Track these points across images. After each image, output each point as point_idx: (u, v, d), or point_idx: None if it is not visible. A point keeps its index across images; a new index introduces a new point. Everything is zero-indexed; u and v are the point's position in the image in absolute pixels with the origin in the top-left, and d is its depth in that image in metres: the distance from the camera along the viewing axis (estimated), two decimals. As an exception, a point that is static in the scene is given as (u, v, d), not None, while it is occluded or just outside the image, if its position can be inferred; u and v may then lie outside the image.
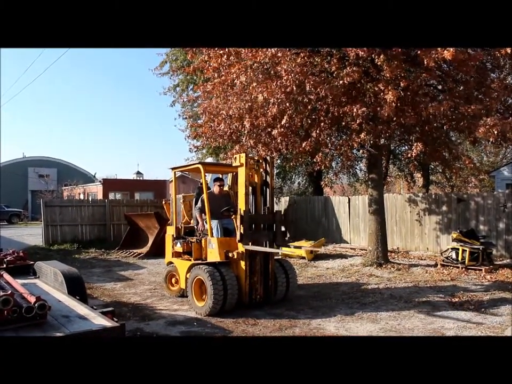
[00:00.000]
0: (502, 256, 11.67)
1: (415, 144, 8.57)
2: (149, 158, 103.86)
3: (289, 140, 9.05)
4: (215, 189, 7.80)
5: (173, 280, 7.92)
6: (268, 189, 6.96)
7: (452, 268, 10.19)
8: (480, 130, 7.85)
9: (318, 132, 8.74)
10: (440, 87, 9.83)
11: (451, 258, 10.51)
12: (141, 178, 39.06)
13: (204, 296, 6.58)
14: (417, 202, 13.64)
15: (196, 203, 7.74)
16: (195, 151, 14.85)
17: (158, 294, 8.15)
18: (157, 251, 13.10)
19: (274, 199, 18.93)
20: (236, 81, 9.08)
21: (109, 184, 33.32)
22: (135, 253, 13.55)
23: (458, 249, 10.31)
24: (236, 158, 6.74)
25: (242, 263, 6.54)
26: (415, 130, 9.45)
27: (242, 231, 6.41)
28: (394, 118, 8.50)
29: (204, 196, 7.13)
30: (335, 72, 8.44)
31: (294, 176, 21.06)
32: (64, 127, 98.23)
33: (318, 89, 8.16)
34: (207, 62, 9.86)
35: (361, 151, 11.57)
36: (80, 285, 5.14)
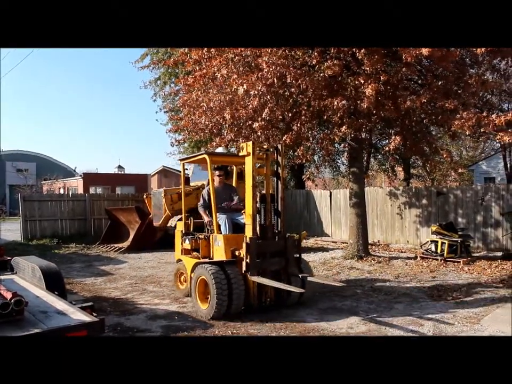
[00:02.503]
0: (480, 248, 11.90)
1: (393, 137, 8.66)
2: (131, 152, 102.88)
3: (270, 133, 9.04)
4: (216, 180, 7.21)
5: (182, 278, 7.47)
6: (278, 181, 6.30)
7: (431, 260, 10.35)
8: (455, 123, 7.97)
9: (299, 125, 8.75)
10: (420, 81, 9.93)
11: (430, 250, 10.67)
12: (123, 172, 38.72)
13: (208, 298, 6.02)
14: (397, 195, 13.79)
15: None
16: (176, 145, 14.75)
17: (139, 288, 8.09)
18: (138, 245, 13.05)
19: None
20: (217, 74, 9.03)
21: (90, 179, 32.92)
22: (116, 247, 13.44)
23: (437, 241, 10.47)
24: (242, 147, 6.12)
25: (243, 262, 5.97)
26: (395, 124, 9.54)
27: (248, 261, 5.82)
28: (375, 112, 8.57)
29: (210, 188, 6.62)
30: (316, 66, 8.46)
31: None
32: (43, 121, 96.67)
33: (299, 82, 8.17)
34: (188, 55, 9.78)
35: (342, 144, 11.64)
36: (59, 280, 5.07)
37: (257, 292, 6.01)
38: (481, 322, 5.59)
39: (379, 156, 17.09)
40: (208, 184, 7.13)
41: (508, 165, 15.26)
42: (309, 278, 6.30)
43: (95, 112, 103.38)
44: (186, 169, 16.70)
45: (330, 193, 15.67)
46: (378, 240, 13.92)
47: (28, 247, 13.81)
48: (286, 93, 8.68)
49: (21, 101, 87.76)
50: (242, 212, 6.48)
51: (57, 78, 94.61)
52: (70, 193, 22.88)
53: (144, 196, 15.90)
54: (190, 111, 10.09)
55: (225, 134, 9.54)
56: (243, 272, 5.87)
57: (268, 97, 8.45)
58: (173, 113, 16.33)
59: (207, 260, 6.39)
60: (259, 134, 8.80)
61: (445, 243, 10.31)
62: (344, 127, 8.67)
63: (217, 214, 6.65)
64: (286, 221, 6.45)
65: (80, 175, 34.16)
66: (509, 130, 8.22)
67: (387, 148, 9.24)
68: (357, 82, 8.35)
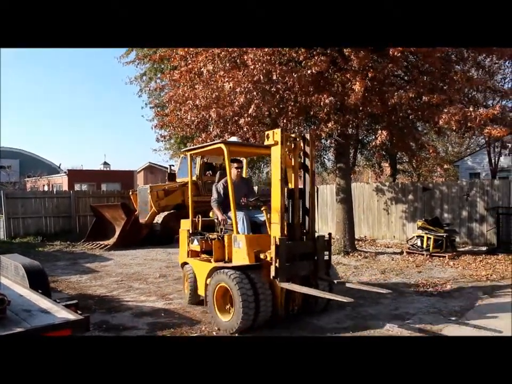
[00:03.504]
0: (465, 243, 12.03)
1: (380, 132, 8.69)
2: (117, 148, 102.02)
3: (256, 129, 9.01)
4: (233, 173, 6.35)
5: (186, 284, 6.77)
6: (307, 175, 5.60)
7: (417, 255, 10.43)
8: (442, 117, 8.03)
9: (285, 121, 8.75)
10: (406, 77, 9.98)
11: (416, 245, 10.75)
12: (108, 169, 38.37)
13: (228, 308, 5.35)
14: (384, 191, 13.86)
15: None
16: (162, 141, 14.65)
17: (125, 285, 8.02)
18: (124, 242, 12.94)
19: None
20: (203, 69, 8.97)
21: (75, 175, 32.59)
22: (102, 244, 13.31)
23: (423, 237, 10.55)
24: (268, 135, 5.37)
25: (271, 267, 5.16)
26: (382, 120, 9.58)
27: (278, 265, 5.03)
28: (361, 107, 8.59)
29: (228, 181, 5.83)
30: (303, 62, 8.44)
31: (263, 166, 21.05)
32: (27, 117, 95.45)
33: (286, 79, 8.15)
34: (174, 50, 9.70)
35: (329, 140, 11.65)
36: (42, 278, 4.98)
37: (284, 300, 5.31)
38: (465, 316, 5.64)
39: (365, 152, 17.17)
40: (219, 177, 6.66)
41: (493, 161, 15.43)
42: (348, 285, 5.80)
43: (80, 108, 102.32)
44: (172, 165, 16.62)
45: (317, 188, 15.66)
46: (365, 236, 13.99)
47: (11, 245, 13.62)
48: (272, 89, 8.65)
49: (3, 96, 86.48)
50: (263, 209, 5.78)
51: (41, 74, 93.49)
52: (55, 190, 22.62)
53: (130, 193, 15.79)
54: (176, 106, 10.01)
55: (211, 129, 9.49)
56: (271, 277, 5.11)
57: (254, 93, 8.41)
58: (158, 109, 16.17)
59: (228, 264, 5.53)
60: (245, 130, 8.76)
61: (430, 238, 10.39)
62: (330, 123, 8.68)
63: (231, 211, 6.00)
64: (314, 220, 5.71)
65: (65, 172, 33.79)
66: (496, 126, 8.31)
67: (374, 144, 9.28)
68: (343, 78, 8.36)
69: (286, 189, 5.47)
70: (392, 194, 13.69)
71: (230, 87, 8.22)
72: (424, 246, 10.46)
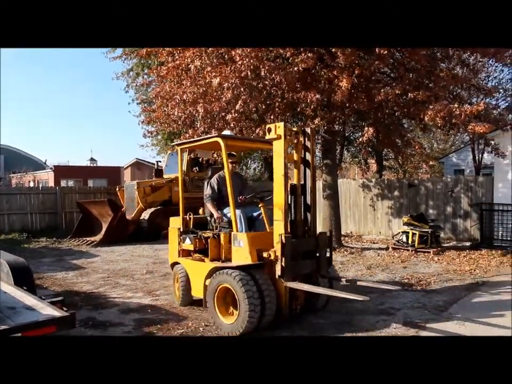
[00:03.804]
0: (450, 238, 12.19)
1: (366, 129, 8.76)
2: (104, 144, 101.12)
3: (243, 125, 9.02)
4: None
5: (177, 285, 6.44)
6: (307, 170, 5.39)
7: (402, 250, 10.55)
8: (428, 113, 8.12)
9: (272, 117, 8.77)
10: (392, 74, 10.06)
11: (402, 241, 10.87)
12: (95, 165, 38.03)
13: (230, 310, 5.18)
14: (370, 187, 13.98)
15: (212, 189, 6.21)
16: (149, 137, 14.58)
17: (112, 282, 7.99)
18: (111, 239, 12.88)
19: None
20: (190, 65, 8.94)
21: (61, 171, 32.24)
22: (88, 241, 13.23)
23: (408, 232, 10.68)
24: (270, 128, 5.13)
25: (276, 265, 4.99)
26: (368, 117, 9.65)
27: (284, 264, 4.87)
28: (348, 104, 8.64)
29: (226, 177, 5.51)
30: (290, 58, 8.46)
31: (250, 162, 21.07)
32: (12, 113, 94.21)
33: (273, 75, 8.16)
34: (161, 46, 9.64)
35: (315, 136, 11.69)
36: (27, 274, 4.97)
37: (288, 299, 5.11)
38: (449, 310, 5.74)
39: (352, 149, 17.27)
40: (211, 172, 6.44)
41: (476, 158, 15.62)
42: (359, 283, 5.68)
43: (66, 104, 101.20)
44: (159, 161, 16.56)
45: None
46: (351, 232, 14.11)
47: (-4, 242, 13.48)
48: (259, 85, 8.66)
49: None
50: (260, 205, 5.70)
51: (26, 69, 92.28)
52: (40, 186, 22.40)
53: (117, 189, 15.71)
54: (163, 102, 9.98)
55: (198, 125, 9.47)
56: (276, 277, 4.95)
57: (241, 89, 8.42)
58: (145, 104, 16.11)
59: (230, 264, 5.30)
60: (232, 125, 8.77)
61: (415, 234, 10.52)
62: (317, 119, 8.72)
63: (228, 207, 5.78)
64: (316, 216, 5.55)
65: (51, 168, 33.42)
66: (480, 122, 8.42)
67: (360, 140, 9.35)
68: (330, 75, 8.40)
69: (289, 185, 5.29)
70: (378, 191, 13.81)
71: (218, 82, 8.21)
72: (410, 241, 10.59)
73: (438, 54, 9.83)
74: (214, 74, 8.28)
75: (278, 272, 4.92)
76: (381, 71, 9.65)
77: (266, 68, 8.03)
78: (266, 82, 8.54)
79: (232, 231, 5.49)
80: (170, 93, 9.50)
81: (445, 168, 22.58)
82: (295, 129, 5.47)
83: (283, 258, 4.88)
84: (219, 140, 5.56)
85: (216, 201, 6.01)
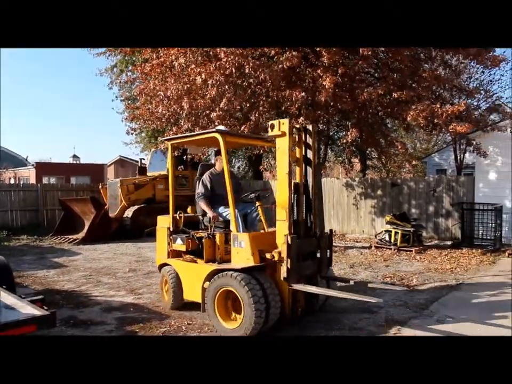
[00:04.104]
0: (431, 237, 12.35)
1: (351, 129, 8.82)
2: (87, 141, 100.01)
3: (228, 123, 9.00)
4: (219, 164, 5.96)
5: (166, 287, 6.11)
6: (309, 167, 5.22)
7: (385, 249, 10.65)
8: (410, 114, 8.21)
9: (257, 115, 8.76)
10: (376, 74, 10.13)
11: (384, 240, 10.97)
12: (78, 162, 37.61)
13: (232, 315, 5.03)
14: (354, 186, 14.07)
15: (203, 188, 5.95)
16: (132, 134, 14.49)
17: (94, 280, 7.92)
18: (93, 236, 12.76)
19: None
20: (174, 63, 8.89)
21: (43, 168, 31.77)
22: (70, 238, 13.09)
23: (391, 231, 10.78)
24: (273, 125, 4.93)
25: (281, 267, 4.82)
26: (352, 116, 9.71)
27: (289, 266, 4.71)
28: (332, 103, 8.68)
29: (226, 173, 5.30)
30: (275, 57, 8.47)
31: (234, 160, 21.05)
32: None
33: (258, 73, 8.16)
34: (145, 42, 9.57)
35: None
36: (6, 273, 4.88)
37: (291, 301, 4.99)
38: (430, 308, 5.81)
39: (336, 148, 17.36)
40: (201, 169, 6.22)
41: (458, 158, 15.84)
42: (370, 285, 5.68)
43: (48, 100, 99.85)
44: (143, 159, 16.44)
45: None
46: (335, 230, 14.18)
47: (-25, 240, 13.26)
48: (244, 83, 8.65)
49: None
50: (257, 205, 5.55)
51: (6, 62, 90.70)
52: (21, 183, 22.08)
53: (100, 186, 15.57)
54: (146, 99, 9.93)
55: (182, 123, 9.43)
56: (281, 278, 4.79)
57: (226, 87, 8.40)
58: (129, 101, 15.98)
59: (232, 266, 5.03)
60: (217, 123, 8.75)
61: (398, 233, 10.63)
62: (301, 118, 8.75)
63: (222, 207, 5.69)
64: (316, 215, 5.44)
65: (32, 165, 32.93)
66: (461, 123, 8.53)
67: (344, 140, 9.40)
68: (315, 74, 8.43)
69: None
70: (361, 190, 13.92)
71: (202, 78, 8.18)
72: (392, 240, 10.69)
73: (422, 54, 9.94)
74: (199, 70, 8.25)
75: (284, 274, 4.75)
76: (365, 71, 9.71)
77: (251, 65, 8.01)
78: (251, 80, 8.54)
79: (228, 231, 5.38)
80: (154, 90, 9.45)
81: (428, 167, 22.85)
82: (297, 126, 5.27)
83: (289, 260, 4.71)
84: (217, 135, 5.32)
85: (209, 199, 5.81)
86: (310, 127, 5.24)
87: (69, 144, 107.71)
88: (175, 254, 5.98)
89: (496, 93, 13.33)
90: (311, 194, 5.25)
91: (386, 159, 13.21)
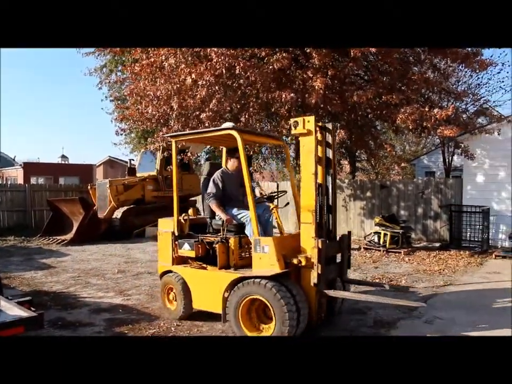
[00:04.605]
0: (420, 239, 12.43)
1: (338, 131, 8.86)
2: (75, 141, 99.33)
3: (218, 124, 8.99)
4: (232, 164, 5.65)
5: (172, 295, 5.71)
6: (329, 169, 5.01)
7: (374, 251, 10.71)
8: (400, 117, 8.28)
9: (247, 116, 8.77)
10: (366, 77, 10.20)
11: (373, 242, 11.03)
12: (66, 162, 37.36)
13: (257, 324, 4.74)
14: (343, 188, 14.12)
15: (206, 187, 5.60)
16: (121, 134, 14.43)
17: (82, 281, 7.86)
18: (82, 237, 12.67)
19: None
20: (164, 63, 8.88)
21: (31, 168, 31.51)
22: (59, 239, 12.98)
23: (380, 233, 10.83)
24: (296, 123, 4.72)
25: (311, 272, 4.55)
26: (342, 118, 9.75)
27: (320, 271, 4.49)
28: (322, 105, 8.72)
29: (244, 174, 4.93)
30: (265, 58, 8.49)
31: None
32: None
33: (248, 74, 8.17)
34: (135, 43, 9.54)
35: (289, 137, 11.76)
36: (-7, 274, 4.85)
37: (317, 306, 4.75)
38: (418, 309, 5.85)
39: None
40: (209, 168, 5.95)
41: (447, 160, 15.97)
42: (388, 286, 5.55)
43: (37, 99, 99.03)
44: (133, 160, 16.37)
45: (278, 184, 15.83)
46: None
47: (-39, 240, 13.10)
48: (234, 84, 8.67)
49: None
50: (272, 207, 5.32)
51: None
52: (9, 183, 21.86)
53: (89, 187, 15.48)
54: (136, 100, 9.90)
55: (172, 124, 9.41)
56: (312, 284, 4.56)
57: (216, 87, 8.41)
58: (119, 102, 15.90)
59: (259, 273, 4.65)
60: (207, 124, 8.74)
61: (387, 234, 10.69)
62: (291, 120, 8.76)
63: (234, 209, 5.38)
64: (336, 217, 5.26)
65: (20, 165, 32.65)
66: (449, 126, 8.62)
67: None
68: (305, 75, 8.46)
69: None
70: (350, 191, 13.98)
71: (192, 78, 8.17)
72: (381, 242, 10.75)
73: (411, 57, 10.03)
74: (189, 71, 8.24)
75: (314, 280, 4.52)
76: (354, 73, 9.77)
77: (241, 66, 8.02)
78: (241, 81, 8.55)
79: (243, 235, 5.18)
80: (144, 90, 9.42)
81: (416, 170, 23.01)
82: (319, 124, 4.92)
83: (319, 265, 4.49)
84: (234, 133, 4.97)
85: (220, 201, 5.45)
86: (329, 126, 5.03)
87: (58, 144, 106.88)
88: (180, 260, 5.60)
89: (483, 96, 13.43)
90: (331, 195, 5.06)
91: (376, 161, 13.31)
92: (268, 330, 4.57)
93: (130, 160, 16.16)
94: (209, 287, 5.16)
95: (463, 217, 11.12)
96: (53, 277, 8.28)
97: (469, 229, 11.01)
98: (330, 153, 5.00)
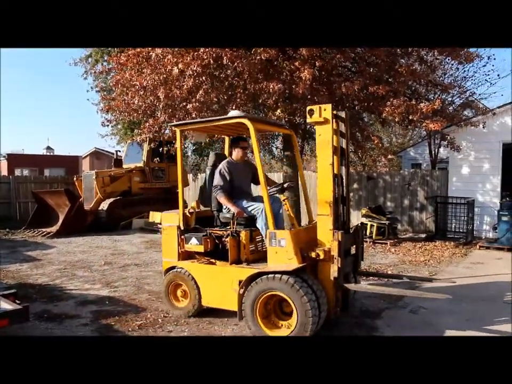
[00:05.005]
0: (406, 230, 12.56)
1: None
2: (61, 132, 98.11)
3: (205, 115, 8.94)
4: (237, 154, 5.44)
5: (179, 292, 5.42)
6: (343, 160, 4.82)
7: (360, 242, 10.76)
8: (386, 110, 8.32)
9: (234, 108, 8.73)
10: (353, 69, 10.20)
11: (360, 233, 11.09)
12: (52, 153, 36.94)
13: (275, 321, 4.58)
14: (330, 180, 14.16)
15: (213, 179, 5.36)
16: (107, 125, 14.27)
17: (68, 273, 7.81)
18: (68, 229, 12.56)
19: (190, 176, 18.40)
20: (151, 53, 8.78)
21: (15, 160, 31.12)
22: (44, 232, 12.85)
23: (367, 224, 10.91)
24: (312, 110, 4.53)
25: (331, 266, 4.43)
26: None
27: (340, 265, 4.39)
28: (309, 97, 8.71)
29: (258, 163, 4.81)
30: (253, 48, 8.44)
31: (211, 153, 20.86)
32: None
33: (235, 64, 8.12)
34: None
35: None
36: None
37: (335, 300, 4.59)
38: (404, 299, 5.92)
39: (312, 142, 17.36)
40: (214, 158, 5.72)
41: (433, 152, 16.10)
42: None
43: (21, 89, 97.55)
44: (119, 151, 16.25)
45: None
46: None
47: None
48: (221, 75, 8.61)
49: None
50: (283, 199, 5.12)
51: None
52: (-7, 175, 21.56)
53: (75, 179, 15.34)
54: (122, 90, 9.78)
55: (159, 115, 9.34)
56: (332, 278, 4.44)
57: (203, 78, 8.34)
58: (105, 92, 15.72)
59: (277, 268, 4.46)
60: (194, 116, 8.68)
61: (373, 226, 10.77)
62: (278, 110, 8.77)
63: (244, 201, 5.18)
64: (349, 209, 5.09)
65: (4, 156, 32.21)
66: (434, 119, 8.68)
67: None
68: (292, 66, 8.43)
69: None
70: (338, 183, 14.03)
71: (179, 69, 8.10)
72: (368, 233, 10.82)
73: (398, 49, 10.04)
74: (176, 61, 8.16)
75: (334, 273, 4.40)
76: (342, 65, 9.77)
77: (229, 56, 7.96)
78: (229, 72, 8.50)
79: (254, 228, 5.05)
80: (131, 81, 9.32)
81: (403, 162, 23.16)
82: (334, 112, 4.66)
83: (339, 259, 4.37)
84: (247, 121, 4.77)
85: (228, 193, 5.22)
86: (342, 114, 4.77)
87: (43, 136, 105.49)
88: (188, 255, 5.38)
89: (469, 89, 13.51)
90: (344, 186, 4.87)
91: (363, 153, 13.31)
92: (288, 327, 4.42)
93: (116, 151, 16.04)
94: (220, 283, 4.97)
95: (448, 208, 11.25)
96: (39, 270, 8.21)
97: (454, 220, 11.15)
98: (343, 142, 4.80)
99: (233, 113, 5.19)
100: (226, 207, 5.20)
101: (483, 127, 10.65)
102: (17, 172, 28.68)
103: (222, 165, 5.31)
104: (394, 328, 4.90)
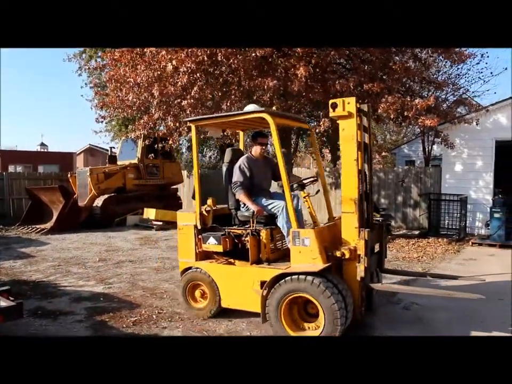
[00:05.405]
0: (400, 227, 12.62)
1: (323, 120, 8.88)
2: (55, 128, 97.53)
3: (199, 112, 8.94)
4: (256, 150, 5.25)
5: (197, 293, 5.27)
6: (366, 156, 4.63)
7: (354, 238, 10.80)
8: (381, 106, 8.34)
9: (228, 104, 8.73)
10: (348, 66, 10.22)
11: (354, 229, 11.13)
12: (46, 150, 36.75)
13: (300, 323, 4.43)
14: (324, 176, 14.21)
15: (231, 176, 5.17)
16: (101, 122, 14.24)
17: (63, 270, 7.80)
18: (62, 226, 12.54)
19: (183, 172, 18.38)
20: (145, 49, 8.76)
21: (8, 156, 30.93)
22: (38, 228, 12.81)
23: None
24: (335, 104, 4.36)
25: (357, 266, 4.27)
26: (324, 106, 9.77)
27: (366, 264, 4.24)
28: (304, 94, 8.72)
29: (279, 159, 4.61)
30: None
31: (205, 150, 20.90)
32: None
33: (230, 61, 8.12)
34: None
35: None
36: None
37: (361, 301, 4.42)
38: (397, 295, 5.95)
39: (306, 139, 17.41)
40: (231, 154, 5.47)
41: (426, 149, 16.17)
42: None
43: (14, 86, 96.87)
44: (113, 148, 16.20)
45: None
46: (306, 220, 14.30)
47: None
48: (216, 72, 8.60)
49: None
50: (304, 196, 4.94)
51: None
52: (-14, 172, 21.45)
53: (69, 175, 15.30)
54: (116, 86, 9.75)
55: (153, 111, 9.32)
56: (358, 278, 4.28)
57: (198, 75, 8.34)
58: (99, 88, 15.66)
59: (302, 268, 4.29)
60: (188, 112, 8.68)
61: (367, 222, 10.80)
62: (273, 107, 8.77)
63: (263, 198, 4.99)
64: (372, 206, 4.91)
65: (-2, 152, 32.05)
66: (428, 115, 8.73)
67: (317, 130, 9.46)
68: (287, 63, 8.44)
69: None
70: (332, 180, 14.08)
71: (173, 65, 8.09)
72: (362, 229, 10.85)
73: (392, 47, 10.07)
74: (170, 57, 8.15)
75: (361, 273, 4.24)
76: (337, 62, 9.79)
77: (223, 53, 7.96)
78: (223, 68, 8.50)
79: (274, 226, 4.89)
80: (125, 77, 9.29)
81: (397, 159, 23.23)
82: (357, 105, 4.45)
83: (366, 258, 4.21)
84: (267, 116, 4.59)
85: (248, 190, 5.02)
86: (365, 108, 4.58)
87: (36, 132, 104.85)
88: (205, 255, 5.22)
89: (463, 87, 13.58)
90: (367, 182, 4.70)
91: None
92: (315, 329, 4.30)
93: (111, 148, 16.00)
94: (240, 284, 4.81)
95: (441, 205, 11.31)
96: (33, 266, 8.20)
97: (447, 217, 11.21)
98: (366, 137, 4.63)
99: (250, 107, 5.02)
100: (245, 204, 5.03)
101: (476, 125, 10.72)
102: (11, 169, 28.53)
103: (242, 161, 5.12)
104: (388, 325, 4.93)
